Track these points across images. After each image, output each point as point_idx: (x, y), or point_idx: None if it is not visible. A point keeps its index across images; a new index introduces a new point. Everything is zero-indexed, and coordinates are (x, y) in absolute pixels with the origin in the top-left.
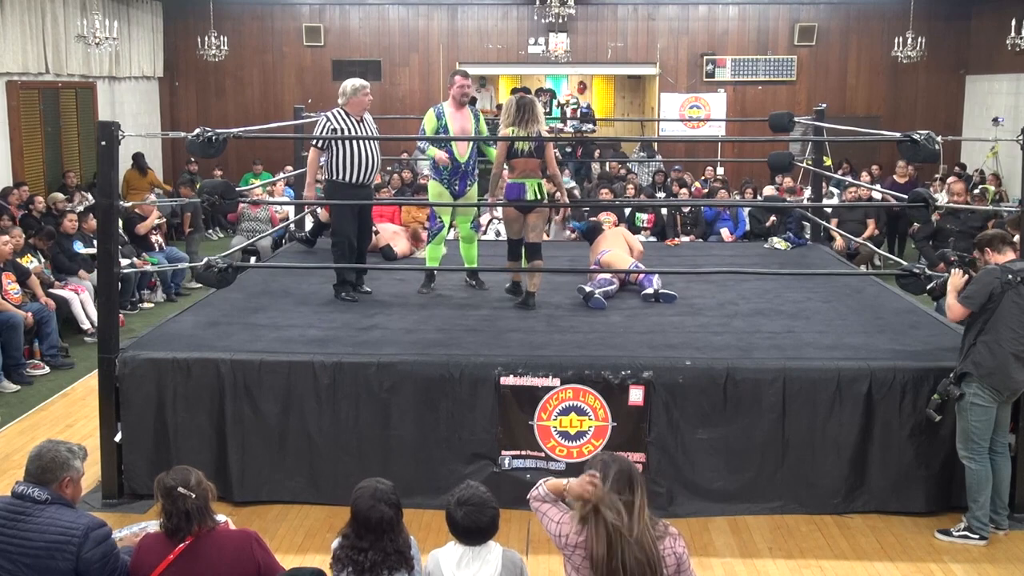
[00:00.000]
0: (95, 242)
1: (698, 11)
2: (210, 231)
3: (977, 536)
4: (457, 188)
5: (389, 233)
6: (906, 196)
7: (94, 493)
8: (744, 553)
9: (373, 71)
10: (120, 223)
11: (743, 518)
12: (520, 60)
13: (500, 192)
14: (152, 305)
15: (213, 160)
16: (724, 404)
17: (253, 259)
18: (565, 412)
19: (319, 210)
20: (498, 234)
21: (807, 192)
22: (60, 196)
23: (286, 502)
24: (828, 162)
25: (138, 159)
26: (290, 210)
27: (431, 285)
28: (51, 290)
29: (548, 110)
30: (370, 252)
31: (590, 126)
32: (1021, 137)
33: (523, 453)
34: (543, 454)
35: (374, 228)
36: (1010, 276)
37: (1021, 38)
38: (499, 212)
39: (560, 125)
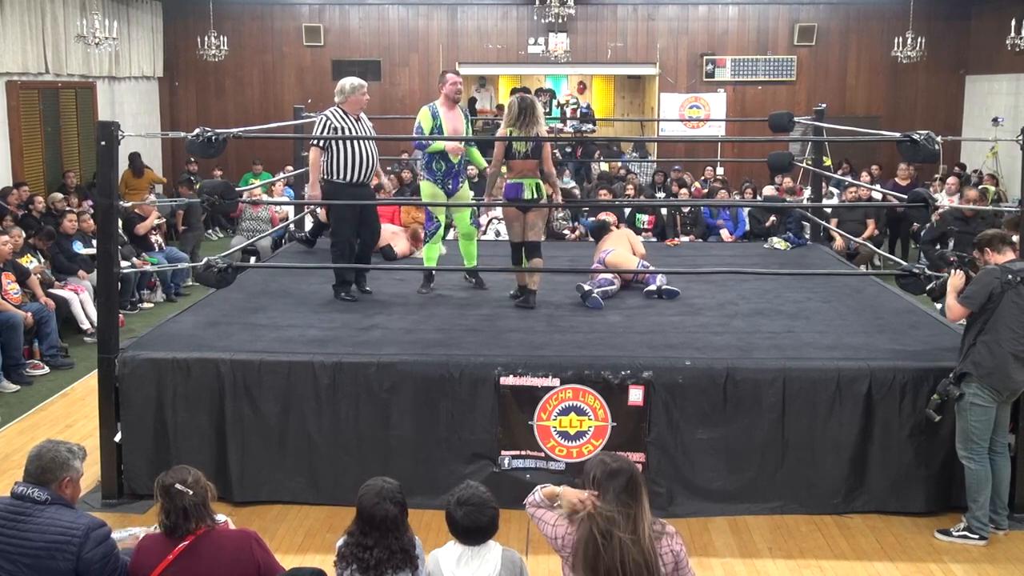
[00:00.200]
0: (94, 242)
1: (698, 11)
2: (210, 231)
3: (977, 536)
4: (450, 187)
5: (388, 233)
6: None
7: (94, 493)
8: (744, 553)
9: (373, 71)
10: (120, 223)
11: (743, 518)
12: (520, 60)
13: (498, 192)
14: (152, 305)
15: (213, 160)
16: (724, 404)
17: (253, 259)
18: (565, 412)
19: (319, 210)
20: (498, 234)
21: (807, 192)
22: (60, 196)
23: (286, 502)
24: (828, 162)
25: (134, 160)
26: (290, 210)
27: (430, 285)
28: (51, 290)
29: (548, 110)
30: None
31: (590, 126)
32: (1021, 137)
33: (523, 453)
34: (543, 454)
35: None
36: (1010, 276)
37: (1021, 38)
38: (499, 212)
39: (560, 125)
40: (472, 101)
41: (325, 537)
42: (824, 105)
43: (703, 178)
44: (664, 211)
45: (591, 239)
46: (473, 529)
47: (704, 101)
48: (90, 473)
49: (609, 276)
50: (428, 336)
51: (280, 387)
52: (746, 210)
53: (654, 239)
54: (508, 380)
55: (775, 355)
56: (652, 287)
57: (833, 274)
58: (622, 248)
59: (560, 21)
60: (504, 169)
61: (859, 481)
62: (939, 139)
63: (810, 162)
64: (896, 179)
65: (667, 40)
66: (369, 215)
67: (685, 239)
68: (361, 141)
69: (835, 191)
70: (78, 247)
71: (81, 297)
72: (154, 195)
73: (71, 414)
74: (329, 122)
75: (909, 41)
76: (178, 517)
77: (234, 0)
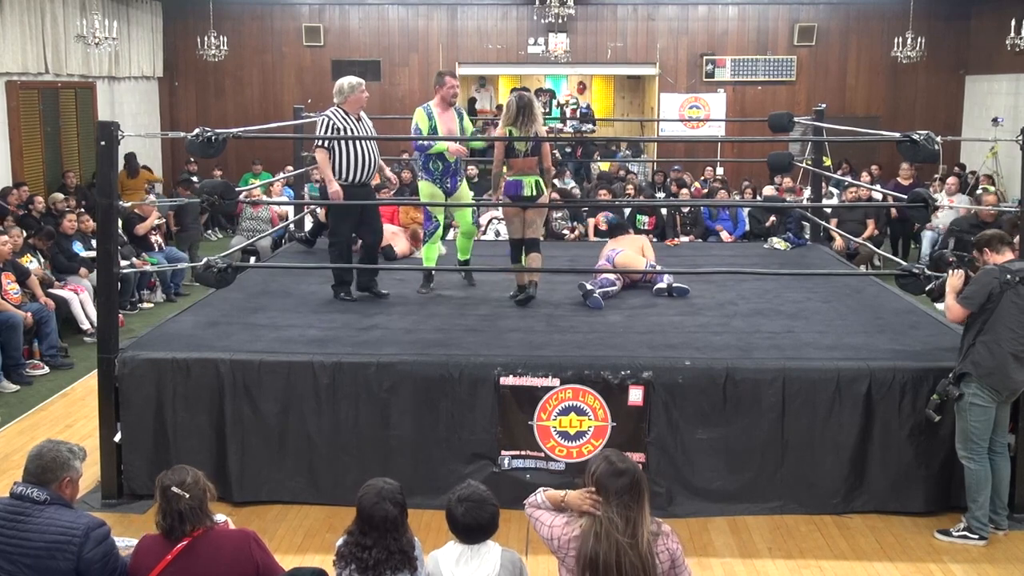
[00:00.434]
0: (94, 243)
1: (698, 11)
2: (209, 231)
3: (976, 536)
4: (449, 186)
5: (388, 233)
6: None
7: (93, 493)
8: (743, 553)
9: (373, 71)
10: (119, 223)
11: (743, 518)
12: (520, 60)
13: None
14: (151, 305)
15: (213, 160)
16: (724, 404)
17: (253, 259)
18: (565, 412)
19: (318, 210)
20: (497, 234)
21: (807, 192)
22: (60, 196)
23: (286, 502)
24: (828, 162)
25: (129, 160)
26: (290, 210)
27: (430, 285)
28: (50, 290)
29: (548, 110)
30: None
31: (590, 126)
32: (1021, 137)
33: (523, 453)
34: (543, 454)
35: None
36: (1009, 276)
37: (1021, 38)
38: (499, 211)
39: (560, 125)
40: (472, 101)
41: (325, 537)
42: (824, 105)
43: (703, 178)
44: (664, 211)
45: (593, 238)
46: (473, 526)
47: (704, 101)
48: (90, 473)
49: (612, 277)
50: (428, 336)
51: (280, 387)
52: (746, 210)
53: (654, 239)
54: (508, 380)
55: (775, 355)
56: (662, 284)
57: (833, 274)
58: (632, 250)
59: (560, 21)
60: (504, 168)
61: (859, 481)
62: (939, 139)
63: (810, 162)
64: (898, 179)
65: (667, 40)
66: (371, 215)
67: (685, 239)
68: (362, 141)
69: (835, 191)
70: (78, 248)
71: (81, 297)
72: (153, 195)
73: (71, 414)
74: (331, 123)
75: (909, 41)
76: (173, 520)
77: (234, 0)
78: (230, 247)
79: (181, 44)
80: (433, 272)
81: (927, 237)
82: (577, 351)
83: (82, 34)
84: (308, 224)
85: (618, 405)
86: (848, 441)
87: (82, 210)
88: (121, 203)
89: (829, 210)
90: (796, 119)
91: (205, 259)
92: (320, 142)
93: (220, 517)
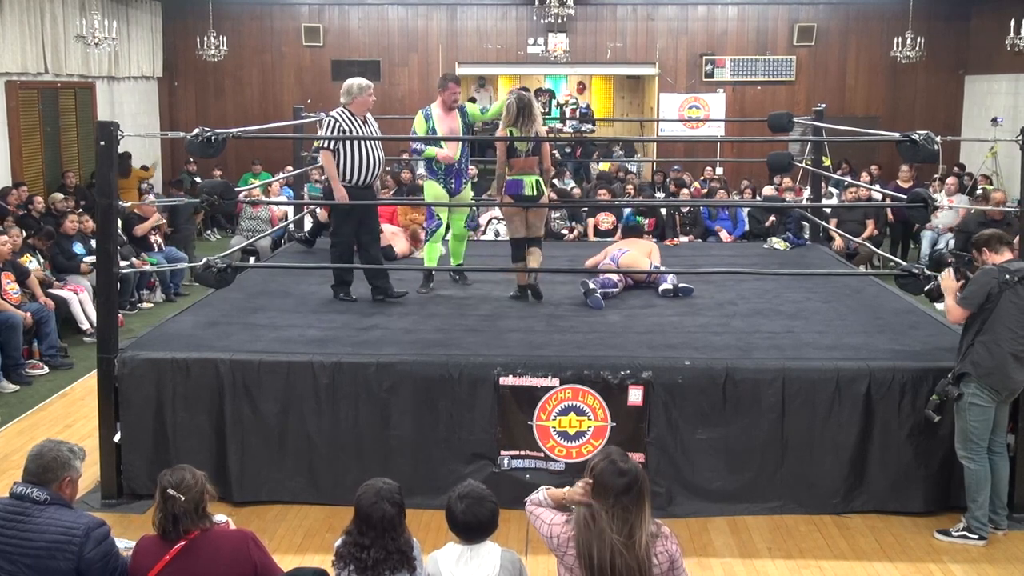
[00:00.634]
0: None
1: (697, 11)
2: (209, 231)
3: (976, 536)
4: (453, 186)
5: (388, 234)
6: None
7: (93, 493)
8: (743, 553)
9: (372, 71)
10: (119, 223)
11: (742, 518)
12: (519, 60)
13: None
14: (151, 305)
15: (212, 160)
16: (723, 404)
17: (252, 259)
18: (564, 412)
19: (318, 210)
20: (497, 234)
21: (806, 192)
22: (59, 196)
23: (285, 502)
24: (827, 162)
25: (122, 159)
26: (289, 209)
27: (430, 285)
28: (50, 290)
29: (547, 110)
30: None
31: (589, 126)
32: (1020, 137)
33: (522, 453)
34: (542, 454)
35: None
36: (1008, 276)
37: (1020, 38)
38: (499, 211)
39: (559, 125)
40: (471, 101)
41: (324, 537)
42: (823, 105)
43: (703, 178)
44: (663, 211)
45: (593, 238)
46: (473, 523)
47: (703, 101)
48: (90, 473)
49: (614, 278)
50: (427, 336)
51: (280, 387)
52: (745, 210)
53: (654, 240)
54: (507, 380)
55: (774, 355)
56: (667, 285)
57: (833, 274)
58: (638, 251)
59: (559, 21)
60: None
61: (858, 481)
62: (938, 139)
63: (809, 162)
64: (898, 181)
65: (666, 40)
66: (369, 218)
67: (684, 239)
68: (368, 143)
69: (834, 191)
70: (78, 249)
71: (80, 297)
72: (153, 195)
73: (70, 414)
74: (338, 124)
75: (908, 41)
76: (168, 522)
77: (233, 0)
78: (230, 247)
79: (181, 44)
80: (433, 272)
81: (927, 237)
82: (577, 351)
83: (81, 34)
84: (308, 224)
85: (618, 405)
86: (848, 441)
87: (81, 210)
88: (121, 203)
89: (829, 210)
90: (796, 119)
91: (205, 259)
92: (326, 144)
93: (220, 518)
